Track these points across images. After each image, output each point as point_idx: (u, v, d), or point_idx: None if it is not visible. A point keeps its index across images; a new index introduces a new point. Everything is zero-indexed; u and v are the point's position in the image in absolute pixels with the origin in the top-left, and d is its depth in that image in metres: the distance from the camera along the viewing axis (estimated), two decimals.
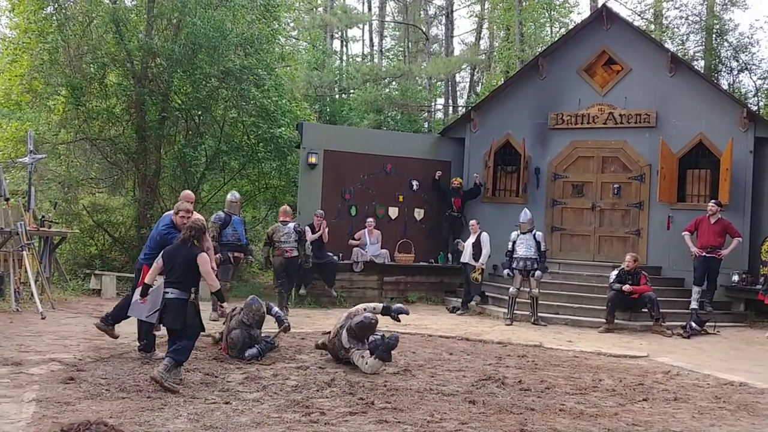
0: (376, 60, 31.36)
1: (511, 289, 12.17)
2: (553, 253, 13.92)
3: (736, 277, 12.70)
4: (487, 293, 13.65)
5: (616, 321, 11.61)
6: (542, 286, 12.34)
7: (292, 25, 26.84)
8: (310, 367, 7.76)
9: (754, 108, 20.74)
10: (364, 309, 8.15)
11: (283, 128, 16.13)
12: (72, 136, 16.41)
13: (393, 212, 14.99)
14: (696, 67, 19.37)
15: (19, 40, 16.62)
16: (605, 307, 11.61)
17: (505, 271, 12.42)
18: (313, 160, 14.30)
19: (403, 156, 15.14)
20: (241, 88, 15.67)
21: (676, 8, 24.28)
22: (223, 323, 8.53)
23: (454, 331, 10.81)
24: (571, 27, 19.88)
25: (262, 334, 8.33)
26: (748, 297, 12.71)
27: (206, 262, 6.95)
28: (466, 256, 13.08)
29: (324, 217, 13.42)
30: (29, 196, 12.07)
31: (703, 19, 23.24)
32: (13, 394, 6.14)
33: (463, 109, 26.09)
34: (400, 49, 34.02)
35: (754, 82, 23.00)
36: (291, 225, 12.15)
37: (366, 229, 14.27)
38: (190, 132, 16.61)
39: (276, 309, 8.80)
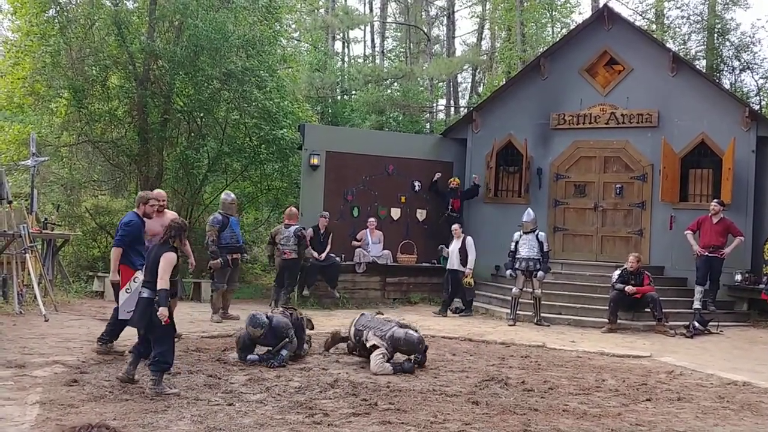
0: (377, 61, 31.38)
1: (513, 290, 12.16)
2: (555, 253, 13.90)
3: (738, 277, 12.68)
4: (489, 294, 13.65)
5: (618, 321, 11.60)
6: (545, 287, 12.33)
7: (293, 26, 26.87)
8: (313, 368, 7.76)
9: (756, 107, 20.73)
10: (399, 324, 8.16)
11: (285, 130, 16.14)
12: (74, 139, 16.44)
13: (395, 213, 14.99)
14: (698, 66, 19.36)
15: (21, 43, 16.65)
16: (608, 308, 11.60)
17: (508, 272, 12.41)
18: (315, 161, 14.31)
19: (405, 157, 15.15)
20: (243, 90, 15.69)
21: (678, 8, 24.28)
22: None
23: (457, 332, 10.81)
24: (572, 27, 19.88)
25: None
26: (751, 296, 12.69)
27: (168, 261, 6.65)
28: (454, 263, 12.96)
29: (328, 219, 13.44)
30: (32, 198, 12.10)
31: (705, 18, 23.22)
32: (16, 396, 6.15)
33: (465, 110, 26.09)
34: (402, 50, 34.05)
35: (756, 81, 23.00)
36: (293, 228, 12.28)
37: (368, 229, 14.27)
38: (192, 134, 16.62)
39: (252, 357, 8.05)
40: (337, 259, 13.56)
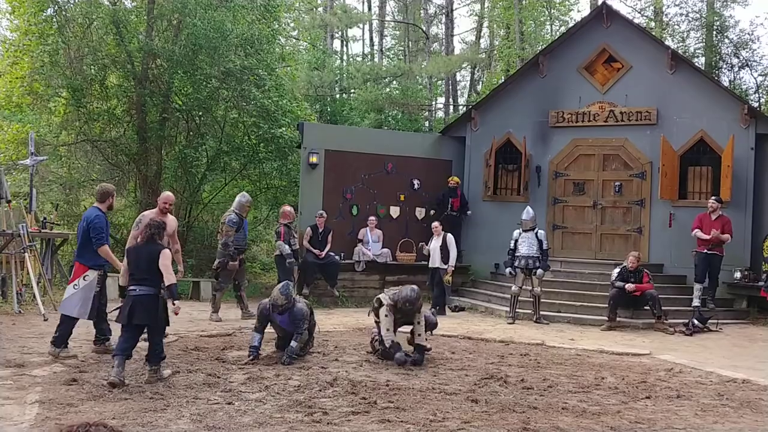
0: (376, 59, 31.34)
1: (513, 288, 12.16)
2: (554, 251, 13.90)
3: (738, 274, 12.69)
4: (488, 292, 13.64)
5: (618, 319, 11.61)
6: (544, 285, 12.33)
7: (292, 25, 26.86)
8: (313, 367, 7.76)
9: (755, 105, 20.72)
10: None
11: (284, 128, 16.14)
12: (73, 138, 16.44)
13: (394, 211, 14.98)
14: (696, 64, 19.35)
15: (19, 42, 16.66)
16: (607, 305, 11.60)
17: (507, 270, 12.41)
18: (314, 159, 14.29)
19: (404, 155, 15.13)
20: (242, 89, 15.69)
21: (676, 5, 24.26)
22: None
23: (456, 330, 10.80)
24: (571, 25, 19.87)
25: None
26: (750, 294, 12.70)
27: (167, 257, 7.07)
28: (436, 261, 12.79)
29: (326, 217, 13.45)
30: (31, 198, 12.10)
31: (704, 15, 23.21)
32: (16, 395, 6.15)
33: (464, 108, 26.07)
34: (401, 48, 34.03)
35: (754, 78, 23.00)
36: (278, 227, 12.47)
37: (368, 227, 14.27)
38: (191, 133, 16.63)
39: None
40: (337, 257, 13.56)
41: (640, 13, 25.64)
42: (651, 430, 5.78)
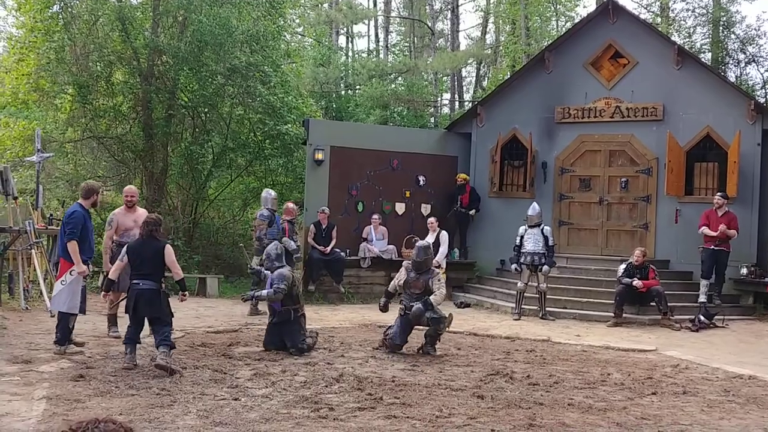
0: (381, 56, 31.32)
1: (519, 284, 12.16)
2: (560, 247, 13.87)
3: (744, 270, 12.65)
4: (494, 288, 13.64)
5: (624, 315, 11.59)
6: (550, 281, 12.33)
7: (297, 21, 26.81)
8: (319, 363, 7.78)
9: (762, 100, 20.63)
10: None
11: (290, 125, 16.14)
12: (79, 135, 16.47)
13: (400, 208, 14.97)
14: (703, 59, 19.27)
15: (25, 39, 16.69)
16: (613, 302, 11.58)
17: (513, 266, 12.39)
18: (319, 156, 14.29)
19: (410, 151, 15.11)
20: (247, 85, 15.69)
21: (683, 1, 24.16)
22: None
23: (462, 327, 10.80)
24: (577, 21, 19.83)
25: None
26: (756, 290, 12.65)
27: (172, 252, 7.42)
28: None
29: (328, 213, 13.45)
30: (37, 194, 12.12)
31: (710, 11, 23.11)
32: (23, 391, 6.18)
33: (470, 104, 26.05)
34: (406, 44, 33.95)
35: (761, 74, 22.93)
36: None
37: (371, 225, 14.27)
38: (197, 129, 16.64)
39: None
40: (342, 254, 13.56)
41: (646, 8, 25.56)
42: (657, 426, 5.77)
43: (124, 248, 7.61)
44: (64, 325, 7.86)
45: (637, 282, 11.41)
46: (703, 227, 12.33)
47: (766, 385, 7.38)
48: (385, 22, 32.68)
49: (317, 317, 11.47)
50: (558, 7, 28.03)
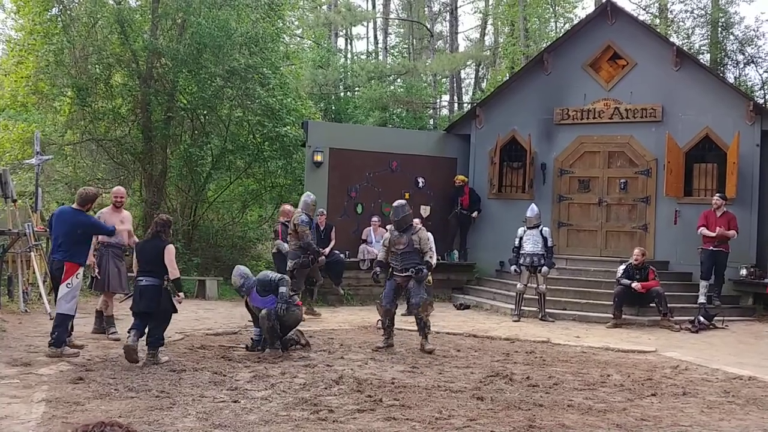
0: (380, 57, 31.31)
1: (518, 286, 12.15)
2: (559, 248, 13.88)
3: (744, 271, 12.65)
4: (493, 290, 13.64)
5: (623, 316, 11.59)
6: (549, 282, 12.32)
7: (296, 23, 26.84)
8: (318, 365, 7.77)
9: (761, 101, 20.63)
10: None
11: (289, 127, 16.14)
12: (78, 137, 16.47)
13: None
14: (702, 60, 19.30)
15: (24, 41, 16.68)
16: (612, 303, 11.58)
17: (512, 268, 12.38)
18: (318, 158, 14.30)
19: (409, 153, 15.12)
20: (246, 87, 15.69)
21: (681, 2, 24.15)
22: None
23: (462, 328, 10.81)
24: (575, 22, 19.83)
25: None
26: (756, 291, 12.66)
27: (171, 252, 7.76)
28: None
29: (326, 215, 13.44)
30: (36, 197, 12.11)
31: (709, 12, 23.12)
32: (22, 394, 6.17)
33: (469, 106, 26.05)
34: (405, 46, 33.94)
35: (760, 75, 22.92)
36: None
37: (371, 227, 14.26)
38: (196, 131, 16.64)
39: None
40: (342, 256, 13.54)
41: (644, 10, 25.57)
42: (657, 427, 5.77)
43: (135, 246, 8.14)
44: (63, 329, 7.84)
45: (635, 285, 11.41)
46: (702, 228, 12.33)
47: (766, 386, 7.38)
48: (384, 23, 32.69)
49: (316, 319, 11.48)
50: (557, 8, 28.05)
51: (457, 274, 14.80)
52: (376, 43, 33.17)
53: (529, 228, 12.22)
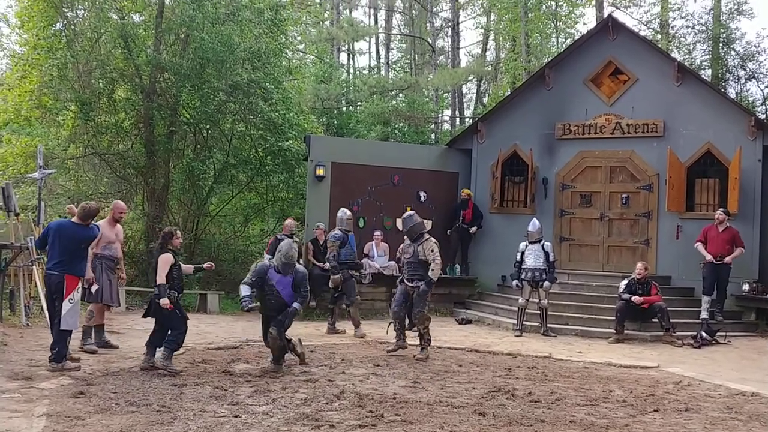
0: (382, 72, 31.46)
1: (520, 300, 12.13)
2: (561, 263, 13.88)
3: (746, 287, 12.63)
4: (495, 305, 13.61)
5: (626, 331, 11.56)
6: (551, 297, 12.30)
7: (299, 38, 26.97)
8: (319, 379, 7.75)
9: (762, 116, 20.66)
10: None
11: (291, 141, 16.17)
12: (81, 151, 16.52)
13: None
14: (703, 76, 19.35)
15: (28, 56, 16.76)
16: (615, 318, 11.55)
17: (514, 282, 12.37)
18: (320, 172, 14.32)
19: (411, 167, 15.15)
20: (249, 102, 15.75)
21: (683, 18, 24.29)
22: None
23: (464, 343, 10.79)
24: (577, 37, 19.90)
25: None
26: (759, 306, 12.64)
27: (162, 260, 8.02)
28: None
29: (323, 229, 13.45)
30: (39, 211, 12.12)
31: (710, 28, 23.21)
32: (23, 408, 6.16)
33: (470, 121, 26.12)
34: (407, 61, 34.12)
35: (761, 90, 22.98)
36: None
37: (373, 242, 14.26)
38: (199, 146, 16.69)
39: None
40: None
41: (646, 25, 25.66)
42: None
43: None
44: (63, 344, 7.83)
45: (635, 298, 11.39)
46: (698, 243, 12.35)
47: None
48: (386, 39, 32.88)
49: (318, 333, 11.47)
50: (558, 24, 28.16)
51: (458, 289, 14.78)
52: (379, 58, 33.35)
53: (530, 242, 12.21)
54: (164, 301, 7.88)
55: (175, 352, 8.04)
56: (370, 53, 34.69)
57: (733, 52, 22.87)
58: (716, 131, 13.38)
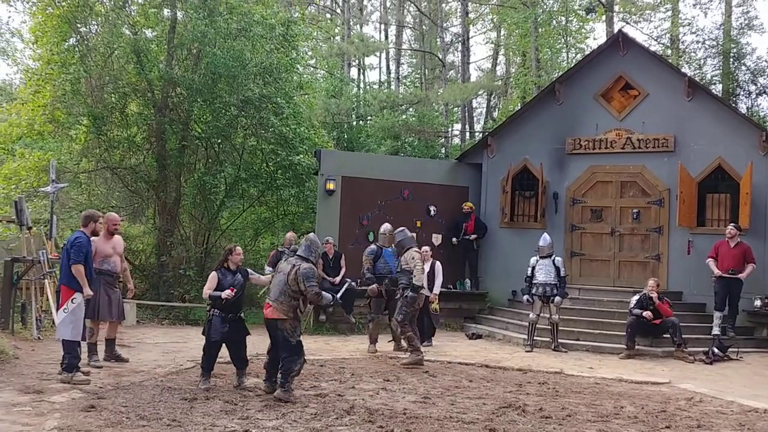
0: (393, 87, 31.53)
1: (530, 315, 12.10)
2: (572, 278, 13.84)
3: (758, 302, 12.55)
4: (506, 320, 13.57)
5: (637, 347, 11.51)
6: (562, 312, 12.26)
7: (310, 54, 27.09)
8: (329, 394, 7.74)
9: None
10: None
11: (302, 155, 16.24)
12: (93, 165, 16.63)
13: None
14: (714, 91, 19.33)
15: (42, 71, 16.89)
16: (625, 333, 11.50)
17: (525, 297, 12.35)
18: (331, 186, 14.37)
19: (421, 182, 15.17)
20: (260, 117, 15.84)
21: (693, 33, 24.28)
22: None
23: (474, 358, 10.76)
24: (587, 52, 19.92)
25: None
26: None
27: (209, 279, 8.20)
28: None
29: (332, 243, 13.46)
30: (51, 224, 12.20)
31: (720, 43, 23.19)
32: (34, 422, 6.18)
33: (480, 135, 26.12)
34: (417, 76, 34.21)
35: None
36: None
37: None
38: (210, 160, 16.76)
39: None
40: (353, 283, 13.51)
41: (656, 40, 25.67)
42: None
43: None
44: (71, 354, 7.87)
45: (646, 313, 11.35)
46: (709, 260, 12.29)
47: None
48: (397, 54, 32.98)
49: (328, 348, 11.46)
50: (568, 39, 28.18)
51: (469, 303, 14.76)
52: (389, 72, 33.43)
53: (541, 257, 12.19)
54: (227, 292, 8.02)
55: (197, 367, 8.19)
56: (380, 68, 34.82)
57: (743, 67, 22.85)
58: (727, 146, 13.36)
